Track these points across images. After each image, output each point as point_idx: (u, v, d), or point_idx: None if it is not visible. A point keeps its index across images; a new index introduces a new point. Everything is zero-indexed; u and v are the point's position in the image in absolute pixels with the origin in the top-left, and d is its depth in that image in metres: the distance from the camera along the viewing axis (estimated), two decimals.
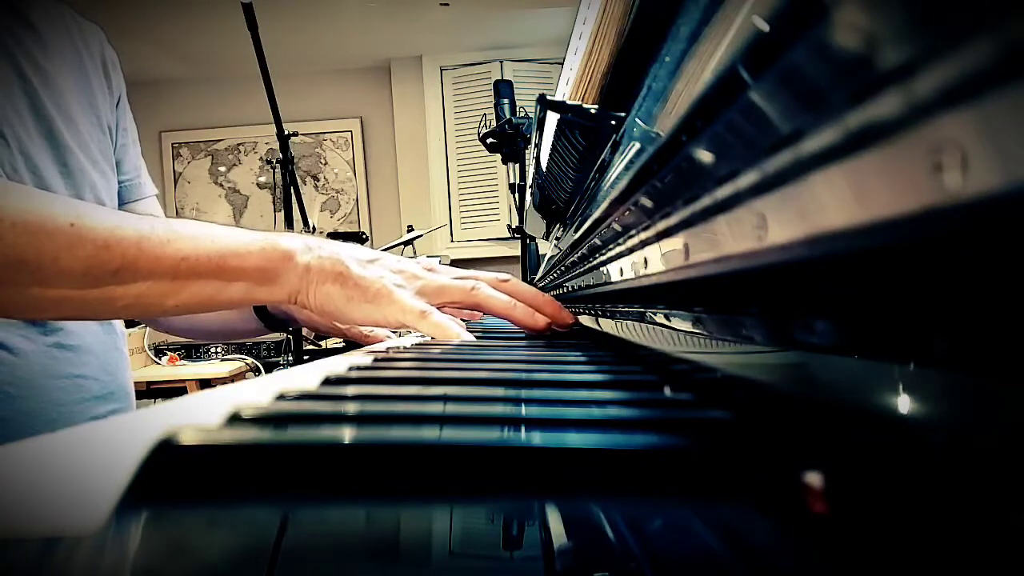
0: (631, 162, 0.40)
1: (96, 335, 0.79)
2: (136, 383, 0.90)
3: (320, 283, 0.63)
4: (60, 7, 0.82)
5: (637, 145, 0.40)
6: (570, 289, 0.84)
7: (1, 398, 0.68)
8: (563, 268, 0.94)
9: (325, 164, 4.45)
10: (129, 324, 0.82)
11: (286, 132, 2.36)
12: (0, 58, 0.71)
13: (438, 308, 0.66)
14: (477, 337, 0.68)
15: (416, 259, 0.74)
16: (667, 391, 0.31)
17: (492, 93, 3.04)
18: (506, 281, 0.71)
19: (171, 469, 0.17)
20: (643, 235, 0.37)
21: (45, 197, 0.57)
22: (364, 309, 0.63)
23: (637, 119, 0.43)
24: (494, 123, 2.83)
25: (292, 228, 2.50)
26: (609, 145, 0.60)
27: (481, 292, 0.68)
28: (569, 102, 0.80)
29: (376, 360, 0.47)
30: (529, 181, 1.70)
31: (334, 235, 3.27)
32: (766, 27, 0.18)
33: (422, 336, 0.81)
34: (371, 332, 0.87)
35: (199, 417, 0.25)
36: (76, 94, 0.79)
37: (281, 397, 0.27)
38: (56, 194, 0.67)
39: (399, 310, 0.63)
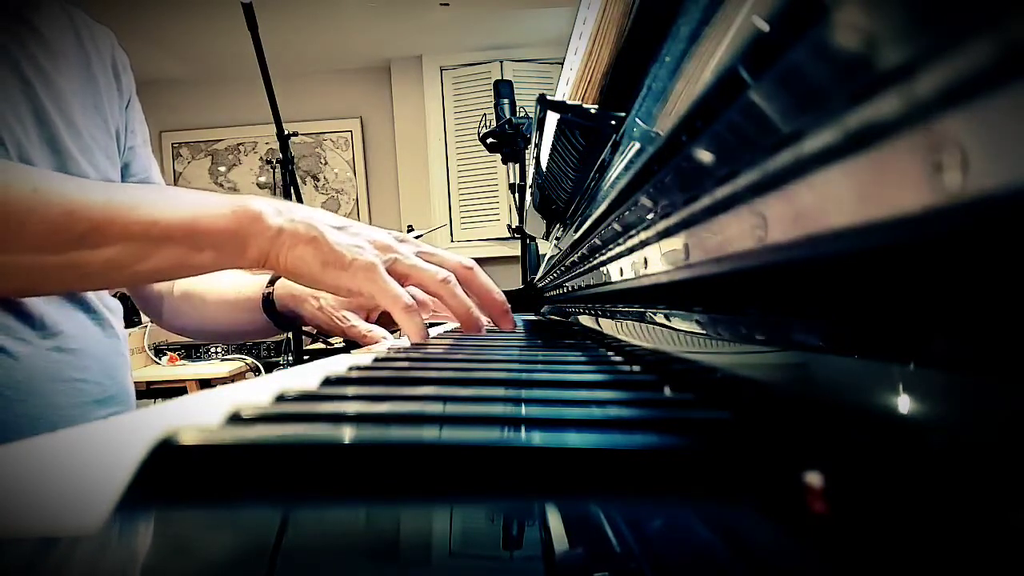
0: (631, 162, 0.40)
1: (96, 339, 0.79)
2: (136, 383, 0.90)
3: (292, 246, 0.62)
4: (70, 10, 0.82)
5: (637, 145, 0.40)
6: (570, 289, 0.84)
7: (0, 402, 0.68)
8: (563, 268, 0.94)
9: (325, 164, 4.45)
10: (129, 324, 0.82)
11: (286, 132, 2.35)
12: (3, 64, 0.71)
13: (403, 287, 0.65)
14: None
15: (388, 230, 0.72)
16: (667, 391, 0.31)
17: (492, 93, 3.04)
18: (470, 269, 0.71)
19: (171, 469, 0.17)
20: (643, 235, 0.37)
21: (5, 165, 0.56)
22: (340, 276, 0.62)
23: (637, 119, 0.43)
24: (494, 123, 2.83)
25: None
26: (609, 145, 0.60)
27: (448, 288, 0.67)
28: (569, 102, 0.80)
29: (376, 360, 0.47)
30: (529, 181, 1.70)
31: None
32: (766, 27, 0.18)
33: None
34: (369, 331, 0.87)
35: (199, 417, 0.25)
36: (81, 99, 0.79)
37: (281, 397, 0.27)
38: (13, 162, 0.66)
39: (380, 290, 0.63)
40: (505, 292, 0.75)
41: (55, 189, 0.54)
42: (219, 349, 3.37)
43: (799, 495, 0.16)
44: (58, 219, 0.53)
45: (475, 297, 0.71)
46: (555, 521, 0.16)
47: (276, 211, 0.63)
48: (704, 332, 0.30)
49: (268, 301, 0.89)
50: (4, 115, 0.69)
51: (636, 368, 0.40)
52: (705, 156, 0.25)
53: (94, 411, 0.77)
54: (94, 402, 0.77)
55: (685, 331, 0.33)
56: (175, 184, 4.37)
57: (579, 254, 0.70)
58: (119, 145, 0.86)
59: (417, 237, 3.21)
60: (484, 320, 0.71)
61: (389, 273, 0.65)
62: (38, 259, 0.54)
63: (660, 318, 0.38)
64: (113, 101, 0.85)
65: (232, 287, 0.93)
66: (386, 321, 0.92)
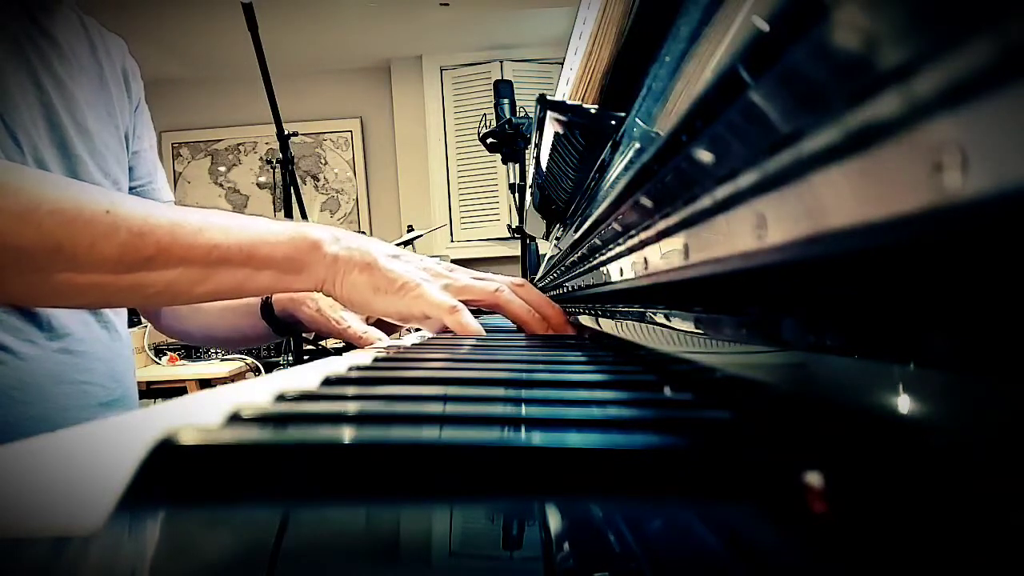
0: (631, 162, 0.40)
1: (103, 341, 0.79)
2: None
3: (347, 272, 0.64)
4: (84, 19, 0.84)
5: (637, 145, 0.40)
6: (570, 289, 0.84)
7: (6, 402, 0.68)
8: (563, 268, 0.94)
9: (325, 164, 4.45)
10: (129, 323, 0.82)
11: (286, 132, 2.36)
12: (19, 68, 0.71)
13: None
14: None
15: (437, 259, 0.76)
16: (667, 391, 0.31)
17: (492, 93, 3.04)
18: (522, 286, 0.74)
19: (171, 469, 0.17)
20: (643, 235, 0.37)
21: (80, 185, 0.58)
22: (390, 300, 0.65)
23: (637, 119, 0.43)
24: (494, 123, 2.83)
25: None
26: (609, 145, 0.60)
27: (504, 295, 0.71)
28: (569, 102, 0.81)
29: (376, 360, 0.47)
30: (529, 181, 1.70)
31: None
32: (766, 27, 0.18)
33: (421, 336, 0.81)
34: (364, 334, 0.88)
35: (199, 417, 0.25)
36: (94, 105, 0.80)
37: (281, 397, 0.27)
38: (86, 183, 0.68)
39: (428, 304, 0.65)
40: None
41: (125, 211, 0.55)
42: (219, 349, 3.37)
43: (800, 495, 0.16)
44: (128, 241, 0.55)
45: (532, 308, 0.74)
46: (555, 521, 0.16)
47: (333, 239, 0.65)
48: (704, 332, 0.30)
49: (267, 306, 0.90)
50: (20, 119, 0.70)
51: (636, 368, 0.40)
52: (705, 156, 0.25)
53: (99, 413, 0.77)
54: (99, 404, 0.77)
55: (685, 331, 0.33)
56: (175, 185, 4.38)
57: (579, 254, 0.70)
58: (127, 148, 0.86)
59: (417, 237, 3.18)
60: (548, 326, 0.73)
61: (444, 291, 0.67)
62: (107, 279, 0.56)
63: (660, 318, 0.38)
64: (124, 107, 0.86)
65: None
66: (384, 323, 0.91)
